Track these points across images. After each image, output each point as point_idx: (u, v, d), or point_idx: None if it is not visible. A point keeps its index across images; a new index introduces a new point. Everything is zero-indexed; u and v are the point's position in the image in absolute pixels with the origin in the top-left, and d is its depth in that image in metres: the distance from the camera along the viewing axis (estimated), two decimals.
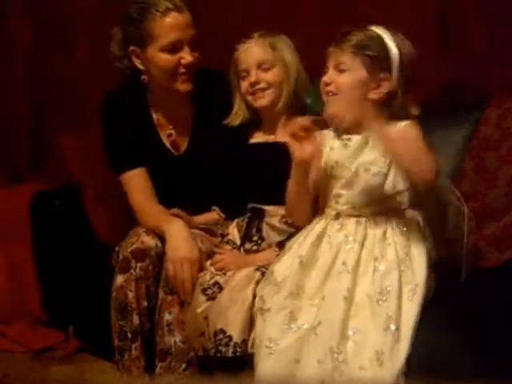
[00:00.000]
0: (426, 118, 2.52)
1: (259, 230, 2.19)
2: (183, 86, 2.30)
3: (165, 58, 2.27)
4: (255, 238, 2.20)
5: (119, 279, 2.18)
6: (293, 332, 1.87)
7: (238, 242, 2.22)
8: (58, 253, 2.76)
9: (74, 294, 2.70)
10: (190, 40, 2.27)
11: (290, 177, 1.99)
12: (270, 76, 2.19)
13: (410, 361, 1.79)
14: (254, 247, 2.19)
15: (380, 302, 1.84)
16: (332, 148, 1.99)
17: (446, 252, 2.02)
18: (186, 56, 2.26)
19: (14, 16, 3.29)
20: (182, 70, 2.28)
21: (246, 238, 2.21)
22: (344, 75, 1.94)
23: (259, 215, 2.19)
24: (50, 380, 2.62)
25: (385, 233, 1.92)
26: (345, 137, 1.98)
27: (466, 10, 2.63)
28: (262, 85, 2.19)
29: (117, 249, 2.26)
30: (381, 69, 1.93)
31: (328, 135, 2.02)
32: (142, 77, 2.35)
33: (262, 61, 2.19)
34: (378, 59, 1.93)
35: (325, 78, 1.96)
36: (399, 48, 1.94)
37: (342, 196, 1.96)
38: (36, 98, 3.32)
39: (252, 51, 2.20)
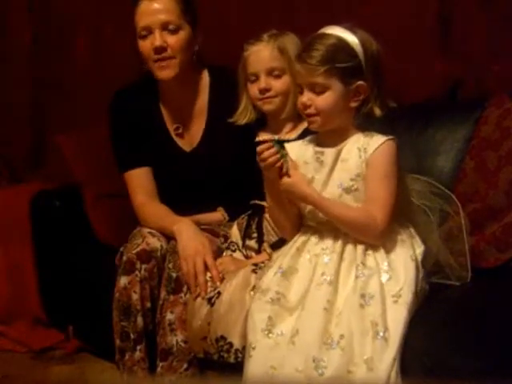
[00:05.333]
0: (426, 117, 2.55)
1: (259, 227, 2.20)
2: (161, 73, 2.30)
3: (141, 45, 2.32)
4: (255, 235, 2.20)
5: (123, 280, 2.18)
6: (269, 338, 1.86)
7: (240, 241, 2.23)
8: (58, 253, 2.76)
9: (73, 294, 2.70)
10: (161, 25, 2.28)
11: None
12: (279, 84, 2.17)
13: (408, 361, 1.79)
14: (255, 245, 2.20)
15: (364, 307, 1.82)
16: (306, 162, 1.97)
17: (450, 253, 2.03)
18: (154, 40, 2.28)
19: (14, 16, 3.29)
20: (154, 55, 2.29)
21: (246, 235, 2.22)
22: (322, 97, 1.88)
23: (260, 211, 2.20)
24: (50, 380, 2.62)
25: (364, 249, 1.91)
26: (318, 149, 1.96)
27: (466, 9, 2.63)
28: (271, 92, 2.18)
29: (121, 249, 2.26)
30: (355, 76, 1.88)
31: (300, 146, 2.00)
32: (142, 66, 2.37)
33: (272, 67, 2.17)
34: (349, 68, 1.87)
35: (303, 100, 1.91)
36: (366, 47, 1.89)
37: (318, 213, 1.94)
38: (36, 98, 3.33)
39: (262, 56, 2.17)
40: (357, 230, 1.90)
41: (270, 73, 2.17)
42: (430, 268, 1.98)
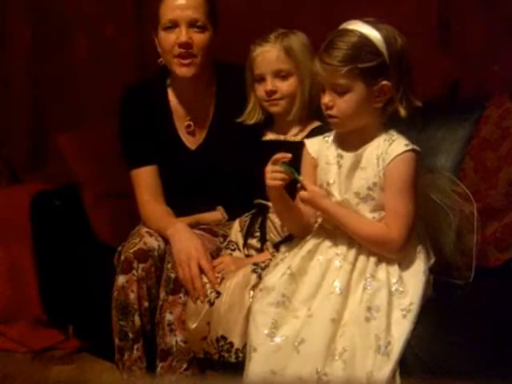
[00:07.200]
0: (427, 117, 2.54)
1: (262, 226, 2.19)
2: (181, 70, 2.29)
3: (164, 37, 2.30)
4: (257, 234, 2.20)
5: (121, 279, 2.18)
6: (271, 341, 1.84)
7: (240, 241, 2.22)
8: (58, 253, 2.76)
9: (73, 294, 2.70)
10: (190, 21, 2.26)
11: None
12: (285, 86, 2.16)
13: (408, 361, 1.79)
14: (257, 244, 2.19)
15: (369, 320, 1.79)
16: (328, 163, 1.93)
17: (456, 253, 2.02)
18: (180, 35, 2.26)
19: (13, 16, 3.29)
20: (177, 50, 2.27)
21: (248, 233, 2.21)
22: (343, 99, 1.81)
23: (264, 211, 2.19)
24: (50, 380, 2.62)
25: (377, 260, 1.87)
26: (339, 151, 1.91)
27: (466, 10, 2.63)
28: (277, 95, 2.16)
29: (119, 249, 2.26)
30: (379, 75, 1.81)
31: (321, 144, 1.96)
32: (159, 60, 2.36)
33: (278, 69, 2.15)
34: (373, 68, 1.80)
35: (325, 101, 1.85)
36: (390, 44, 1.82)
37: None
38: (36, 98, 3.32)
39: (268, 57, 2.16)
40: (373, 244, 1.86)
41: (276, 74, 2.16)
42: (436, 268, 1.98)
